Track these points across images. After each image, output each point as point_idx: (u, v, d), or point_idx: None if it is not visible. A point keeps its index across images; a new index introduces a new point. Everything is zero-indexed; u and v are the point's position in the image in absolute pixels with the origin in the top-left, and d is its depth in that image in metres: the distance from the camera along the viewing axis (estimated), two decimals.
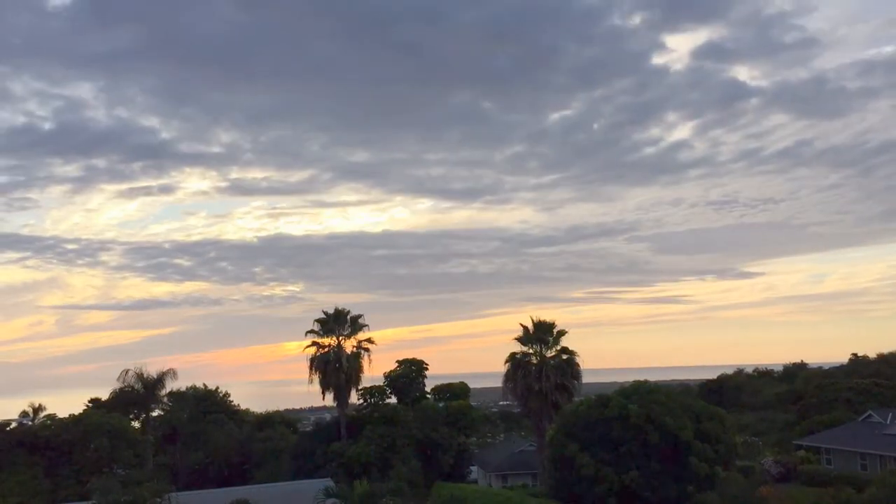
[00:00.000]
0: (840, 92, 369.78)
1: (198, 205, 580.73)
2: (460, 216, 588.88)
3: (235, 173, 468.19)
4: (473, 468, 71.08)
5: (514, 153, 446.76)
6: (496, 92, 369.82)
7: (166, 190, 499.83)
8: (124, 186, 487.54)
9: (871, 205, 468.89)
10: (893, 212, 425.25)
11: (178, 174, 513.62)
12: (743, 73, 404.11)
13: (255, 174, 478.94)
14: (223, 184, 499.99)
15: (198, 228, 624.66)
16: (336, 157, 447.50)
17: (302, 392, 69.12)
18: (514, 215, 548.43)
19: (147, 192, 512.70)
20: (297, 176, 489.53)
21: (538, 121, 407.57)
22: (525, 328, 55.71)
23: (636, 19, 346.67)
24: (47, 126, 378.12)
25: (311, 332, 64.46)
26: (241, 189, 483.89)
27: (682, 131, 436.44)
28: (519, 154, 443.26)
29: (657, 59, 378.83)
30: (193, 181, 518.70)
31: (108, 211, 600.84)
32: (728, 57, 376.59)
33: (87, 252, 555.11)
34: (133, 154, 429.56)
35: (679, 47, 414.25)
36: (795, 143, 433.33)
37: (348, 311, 64.58)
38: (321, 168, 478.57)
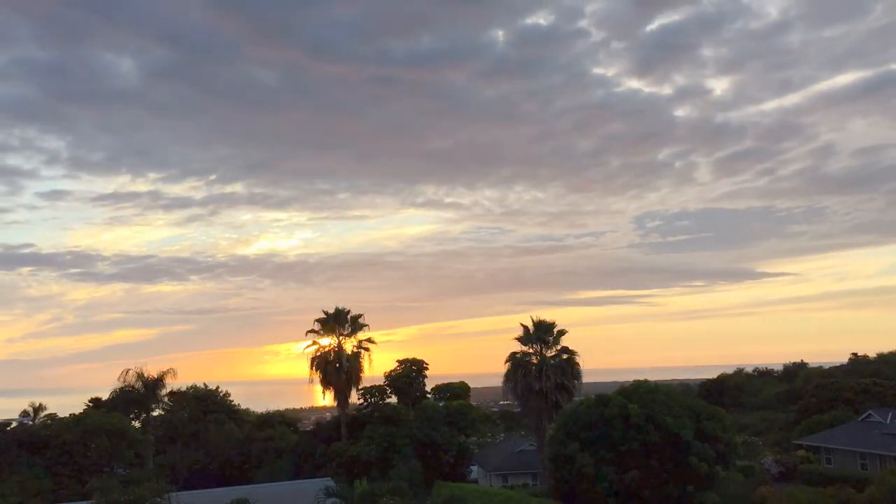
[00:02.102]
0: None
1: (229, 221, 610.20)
2: (466, 226, 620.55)
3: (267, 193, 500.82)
4: (473, 468, 71.06)
5: (512, 173, 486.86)
6: (495, 122, 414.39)
7: (210, 213, 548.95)
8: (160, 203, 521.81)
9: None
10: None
11: (220, 196, 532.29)
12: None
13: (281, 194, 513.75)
14: (254, 209, 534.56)
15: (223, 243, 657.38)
16: (356, 179, 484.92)
17: (303, 391, 69.25)
18: (523, 226, 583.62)
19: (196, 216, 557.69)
20: (321, 193, 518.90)
21: (533, 144, 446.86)
22: (525, 328, 55.65)
23: (616, 64, 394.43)
24: (96, 157, 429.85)
25: (312, 331, 64.52)
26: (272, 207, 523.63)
27: (663, 155, 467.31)
28: (517, 173, 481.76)
29: (643, 94, 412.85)
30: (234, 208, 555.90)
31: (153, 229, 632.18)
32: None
33: (114, 263, 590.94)
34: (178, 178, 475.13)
35: (659, 88, 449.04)
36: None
37: (348, 311, 64.62)
38: (342, 188, 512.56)
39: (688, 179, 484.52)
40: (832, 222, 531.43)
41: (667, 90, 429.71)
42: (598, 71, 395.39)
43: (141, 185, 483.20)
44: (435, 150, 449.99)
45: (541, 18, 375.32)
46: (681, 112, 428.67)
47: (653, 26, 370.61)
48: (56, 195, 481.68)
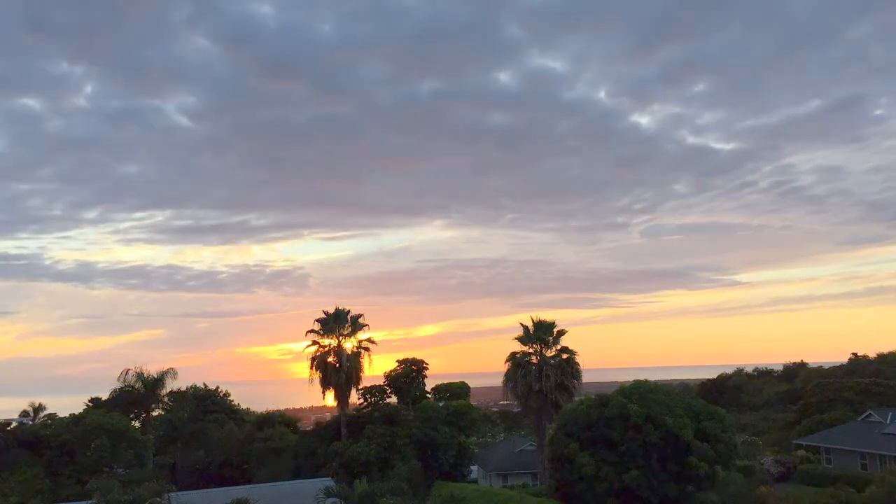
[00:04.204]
0: None
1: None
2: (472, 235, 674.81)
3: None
4: (473, 468, 71.06)
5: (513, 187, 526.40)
6: (497, 143, 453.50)
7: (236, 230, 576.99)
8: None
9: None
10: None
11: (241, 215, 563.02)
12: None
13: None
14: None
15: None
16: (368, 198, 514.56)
17: (303, 391, 69.23)
18: (524, 232, 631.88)
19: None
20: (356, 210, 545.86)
21: (532, 162, 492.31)
22: (525, 328, 55.60)
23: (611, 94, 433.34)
24: (131, 171, 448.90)
25: (312, 331, 64.43)
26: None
27: (656, 172, 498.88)
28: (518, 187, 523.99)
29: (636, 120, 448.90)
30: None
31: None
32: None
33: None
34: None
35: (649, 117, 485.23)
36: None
37: (348, 311, 64.53)
38: (354, 206, 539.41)
39: (677, 194, 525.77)
40: (817, 231, 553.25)
41: (657, 115, 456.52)
42: (596, 100, 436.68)
43: (167, 205, 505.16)
44: (440, 167, 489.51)
45: (547, 59, 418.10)
46: (669, 134, 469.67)
47: (647, 63, 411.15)
48: (79, 210, 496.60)
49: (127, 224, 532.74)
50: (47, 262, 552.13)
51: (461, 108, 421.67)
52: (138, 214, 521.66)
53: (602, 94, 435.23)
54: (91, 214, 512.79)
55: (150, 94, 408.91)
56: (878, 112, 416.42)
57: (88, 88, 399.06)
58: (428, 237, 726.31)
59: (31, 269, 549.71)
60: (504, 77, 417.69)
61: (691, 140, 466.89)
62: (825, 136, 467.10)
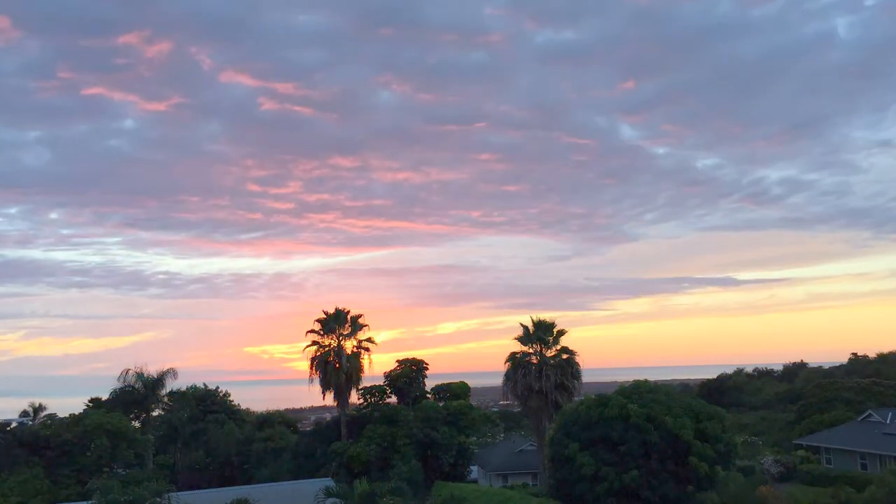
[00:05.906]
0: None
1: None
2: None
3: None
4: (473, 468, 71.05)
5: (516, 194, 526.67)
6: (501, 157, 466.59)
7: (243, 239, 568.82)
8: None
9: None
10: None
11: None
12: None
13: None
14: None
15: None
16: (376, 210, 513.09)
17: (303, 391, 69.24)
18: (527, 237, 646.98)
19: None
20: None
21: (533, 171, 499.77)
22: (525, 328, 55.61)
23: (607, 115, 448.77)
24: (141, 181, 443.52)
25: (312, 331, 64.47)
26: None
27: (652, 183, 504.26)
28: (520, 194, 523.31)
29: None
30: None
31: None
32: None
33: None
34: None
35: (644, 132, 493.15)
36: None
37: (348, 311, 64.58)
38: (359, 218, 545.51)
39: (664, 203, 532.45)
40: (800, 235, 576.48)
41: (649, 134, 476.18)
42: (591, 120, 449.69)
43: (177, 213, 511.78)
44: (441, 178, 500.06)
45: (548, 89, 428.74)
46: (659, 151, 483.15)
47: (635, 90, 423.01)
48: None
49: (138, 233, 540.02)
50: (56, 266, 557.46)
51: (466, 131, 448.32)
52: (147, 222, 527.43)
53: (596, 116, 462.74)
54: (102, 223, 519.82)
55: (174, 118, 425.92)
56: (842, 132, 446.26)
57: (128, 116, 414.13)
58: (428, 241, 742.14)
59: (38, 272, 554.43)
60: (508, 105, 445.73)
61: (675, 154, 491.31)
62: (795, 153, 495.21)
